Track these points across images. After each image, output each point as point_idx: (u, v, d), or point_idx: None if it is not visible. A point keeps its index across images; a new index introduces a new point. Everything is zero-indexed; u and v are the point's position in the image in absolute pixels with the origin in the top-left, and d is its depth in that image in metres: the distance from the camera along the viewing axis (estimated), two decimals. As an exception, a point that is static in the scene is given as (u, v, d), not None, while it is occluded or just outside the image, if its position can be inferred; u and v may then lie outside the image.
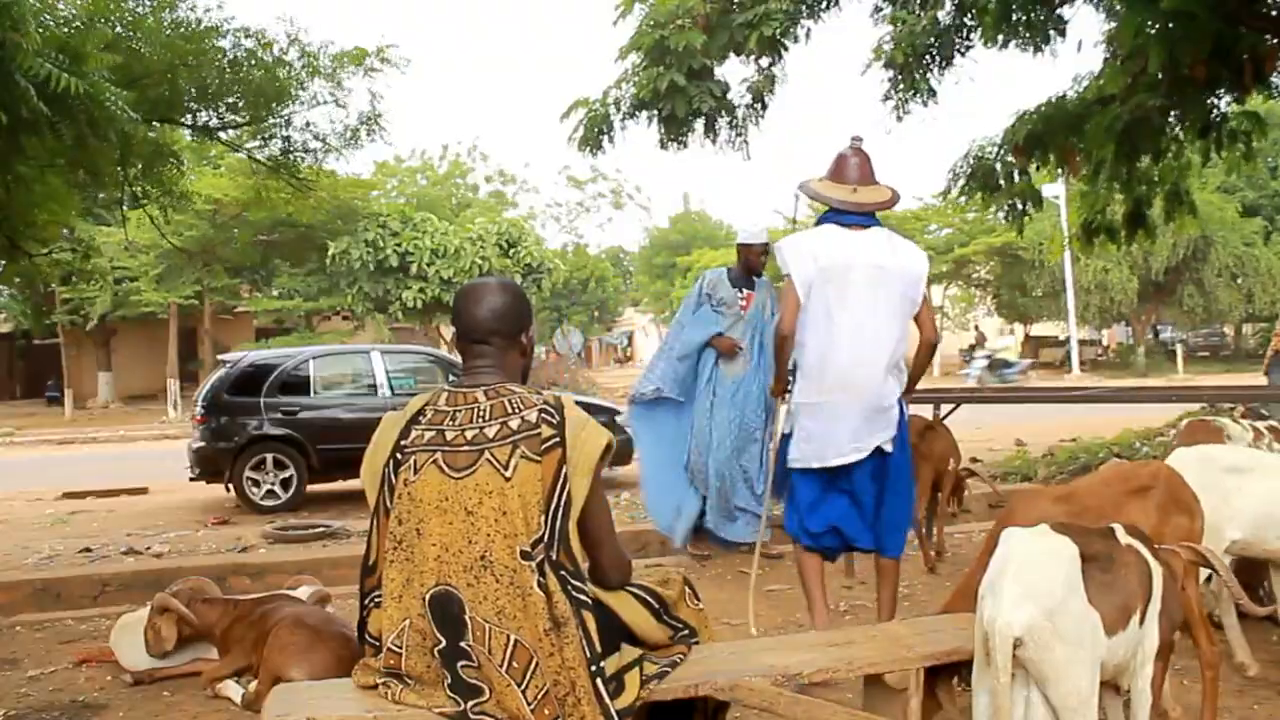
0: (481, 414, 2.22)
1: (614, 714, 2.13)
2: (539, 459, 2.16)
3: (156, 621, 3.88)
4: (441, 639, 2.15)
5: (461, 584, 2.14)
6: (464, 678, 2.14)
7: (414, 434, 2.23)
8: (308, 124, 7.16)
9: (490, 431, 2.19)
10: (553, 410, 2.22)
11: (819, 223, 3.95)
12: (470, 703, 2.13)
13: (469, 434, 2.20)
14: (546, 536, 2.14)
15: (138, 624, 4.10)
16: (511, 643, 2.12)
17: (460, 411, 2.23)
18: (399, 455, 2.23)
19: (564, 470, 2.17)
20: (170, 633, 3.85)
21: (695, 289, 5.96)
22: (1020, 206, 8.18)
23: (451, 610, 2.14)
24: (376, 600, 2.28)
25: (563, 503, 2.16)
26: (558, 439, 2.18)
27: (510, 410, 2.21)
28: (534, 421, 2.19)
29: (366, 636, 2.32)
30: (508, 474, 2.14)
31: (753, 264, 5.82)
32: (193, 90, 6.46)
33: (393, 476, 2.22)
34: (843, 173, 3.92)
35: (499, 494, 2.14)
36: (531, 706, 2.10)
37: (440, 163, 35.30)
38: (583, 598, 2.17)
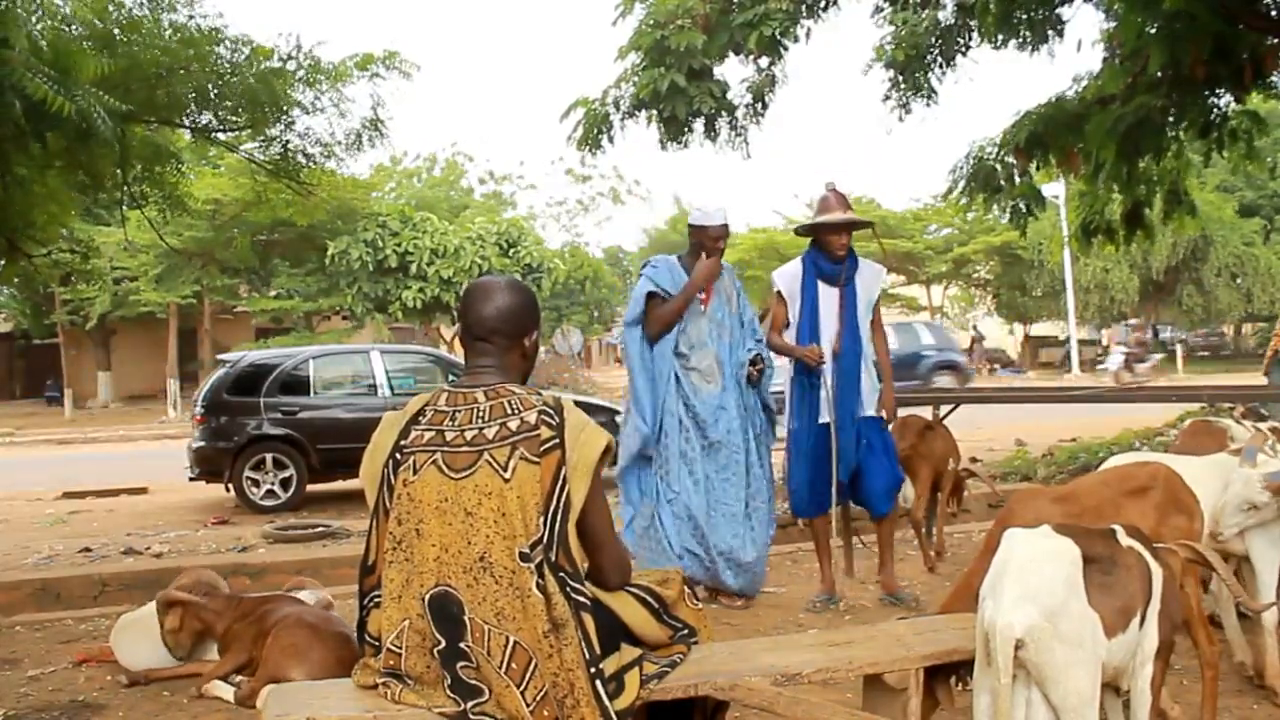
0: (481, 415, 2.22)
1: (613, 716, 2.13)
2: (538, 460, 2.15)
3: (163, 619, 3.86)
4: (441, 640, 2.15)
5: (461, 585, 2.14)
6: (463, 678, 2.13)
7: (413, 434, 2.23)
8: (308, 130, 7.16)
9: (490, 432, 2.19)
10: (552, 412, 2.21)
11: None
12: (470, 703, 2.12)
13: (468, 435, 2.20)
14: (545, 538, 2.14)
15: (137, 624, 4.11)
16: (510, 644, 2.11)
17: (460, 412, 2.23)
18: (398, 455, 2.22)
19: (563, 472, 2.16)
20: (174, 624, 3.84)
21: (640, 287, 4.87)
22: (1024, 208, 8.18)
23: (451, 611, 2.14)
24: (375, 600, 2.28)
25: (561, 505, 2.16)
26: (557, 441, 2.18)
27: (510, 411, 2.21)
28: (533, 423, 2.19)
29: (366, 636, 2.32)
30: (507, 475, 2.14)
31: (709, 250, 4.83)
32: (191, 94, 6.45)
33: (392, 477, 2.22)
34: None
35: (498, 495, 2.14)
36: (530, 708, 2.09)
37: (433, 167, 35.31)
38: (581, 599, 2.16)
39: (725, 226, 4.86)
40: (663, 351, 4.78)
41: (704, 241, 4.83)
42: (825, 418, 4.69)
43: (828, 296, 4.75)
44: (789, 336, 4.83)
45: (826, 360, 4.68)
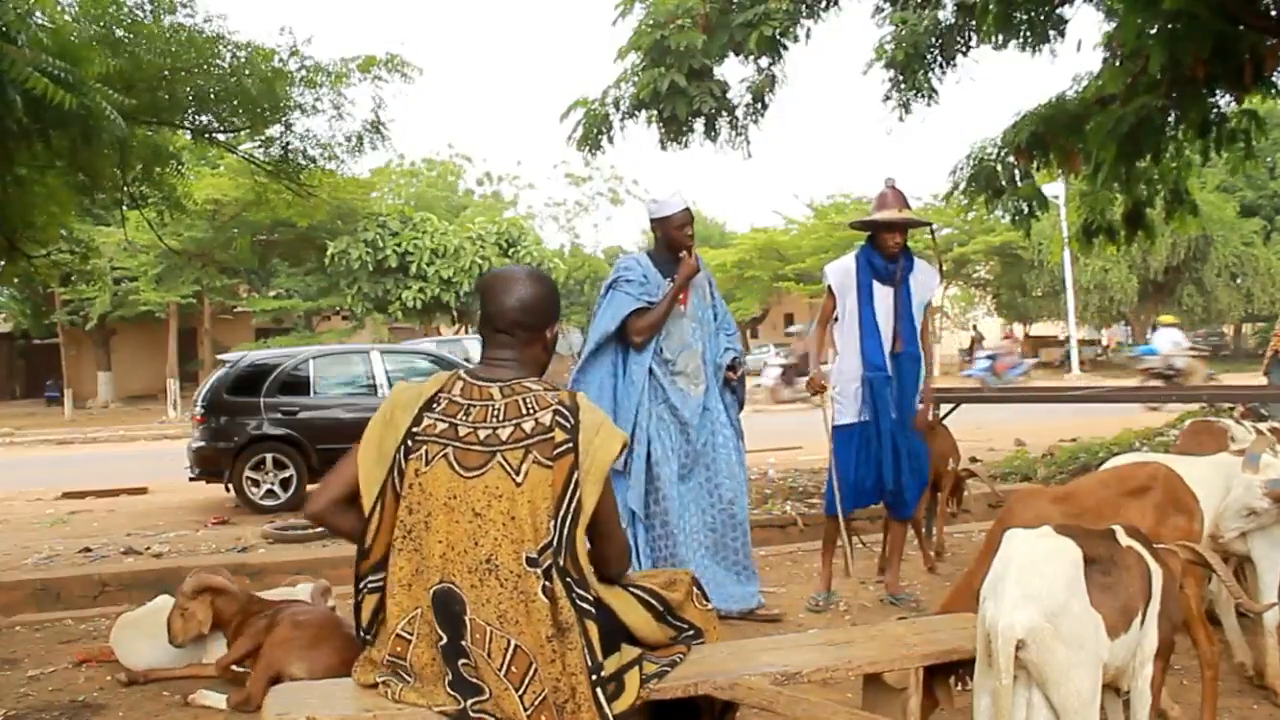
0: (496, 413, 2.19)
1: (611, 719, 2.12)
2: (550, 464, 2.14)
3: (189, 605, 3.78)
4: (443, 635, 2.14)
5: (465, 585, 2.13)
6: (464, 676, 2.13)
7: (426, 422, 2.20)
8: (308, 131, 7.17)
9: (504, 433, 2.17)
10: (567, 412, 2.19)
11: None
12: (470, 701, 2.12)
13: (482, 433, 2.18)
14: (555, 543, 2.12)
15: (138, 623, 4.10)
16: (511, 647, 2.11)
17: (475, 407, 2.21)
18: (410, 441, 2.19)
19: (575, 476, 2.15)
20: (206, 615, 3.78)
21: (619, 304, 4.46)
22: (1027, 209, 8.17)
23: (453, 609, 2.13)
24: (370, 586, 2.25)
25: (572, 509, 2.15)
26: (571, 444, 2.16)
27: (524, 411, 2.19)
28: (548, 424, 2.17)
29: (360, 624, 2.29)
30: (519, 479, 2.13)
31: (676, 242, 4.47)
32: (191, 95, 6.47)
33: (403, 461, 2.19)
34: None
35: (508, 498, 2.13)
36: (528, 712, 2.09)
37: (432, 169, 35.33)
38: (586, 606, 2.15)
39: (687, 212, 4.51)
40: (641, 361, 4.48)
41: (669, 233, 4.50)
42: (894, 413, 4.63)
43: (882, 295, 4.64)
44: (842, 332, 4.73)
45: (889, 377, 4.62)
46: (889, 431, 4.62)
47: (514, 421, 2.18)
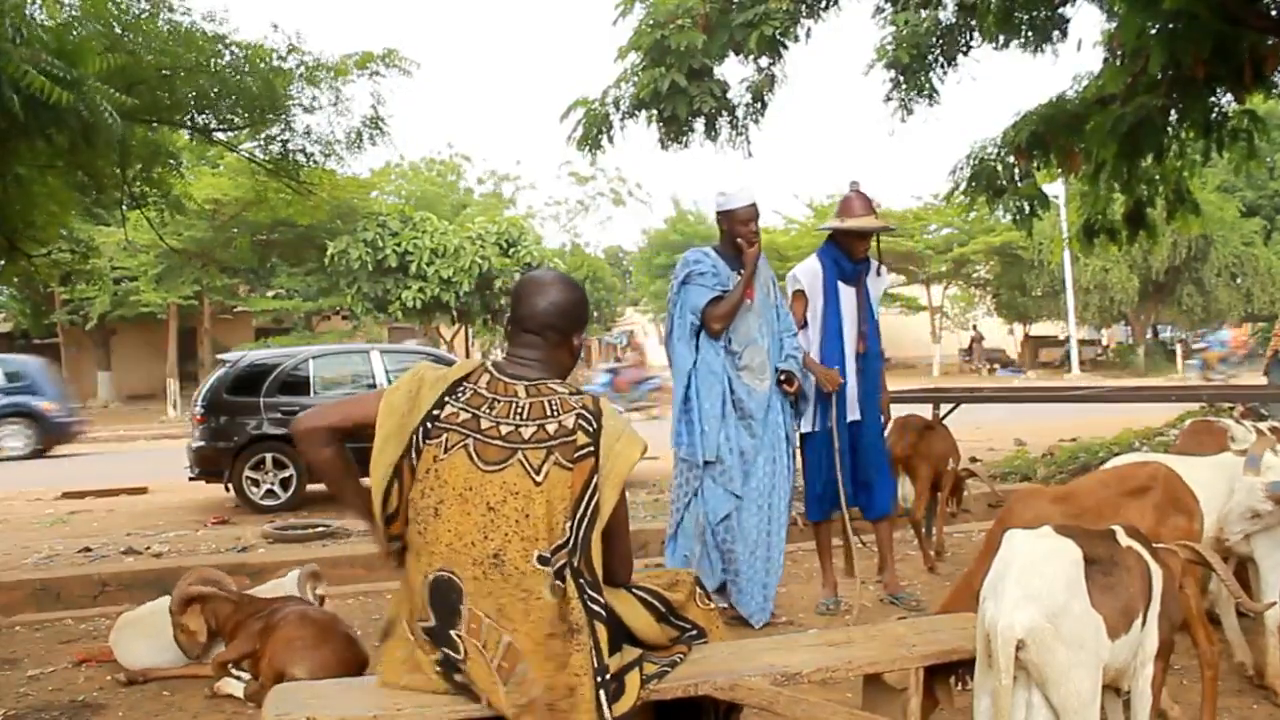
0: (519, 411, 2.21)
1: None
2: (571, 466, 2.16)
3: (181, 620, 3.83)
4: (433, 619, 2.15)
5: (466, 576, 2.14)
6: (454, 660, 2.14)
7: (449, 409, 2.21)
8: (308, 129, 7.17)
9: (526, 432, 2.18)
10: (590, 416, 2.21)
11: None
12: (458, 677, 2.15)
13: (503, 429, 2.19)
14: (571, 544, 2.14)
15: (137, 623, 4.11)
16: (505, 643, 2.11)
17: (499, 402, 2.22)
18: (429, 424, 2.20)
19: (595, 480, 2.17)
20: (199, 624, 3.82)
21: (695, 297, 4.42)
22: (1028, 208, 8.17)
23: (450, 598, 2.14)
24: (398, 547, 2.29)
25: (589, 511, 2.16)
26: (592, 448, 2.18)
27: (548, 413, 2.20)
28: (570, 427, 2.19)
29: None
30: (539, 479, 2.14)
31: (742, 236, 4.43)
32: (192, 94, 6.46)
33: (420, 442, 2.20)
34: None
35: (525, 496, 2.14)
36: (512, 711, 2.09)
37: (431, 168, 35.32)
38: (597, 608, 2.16)
39: (754, 206, 4.46)
40: (717, 350, 4.45)
41: (734, 227, 4.45)
42: (854, 415, 4.66)
43: (847, 296, 4.71)
44: (812, 335, 4.72)
45: (849, 379, 4.65)
46: (850, 434, 4.65)
47: (537, 422, 2.19)
